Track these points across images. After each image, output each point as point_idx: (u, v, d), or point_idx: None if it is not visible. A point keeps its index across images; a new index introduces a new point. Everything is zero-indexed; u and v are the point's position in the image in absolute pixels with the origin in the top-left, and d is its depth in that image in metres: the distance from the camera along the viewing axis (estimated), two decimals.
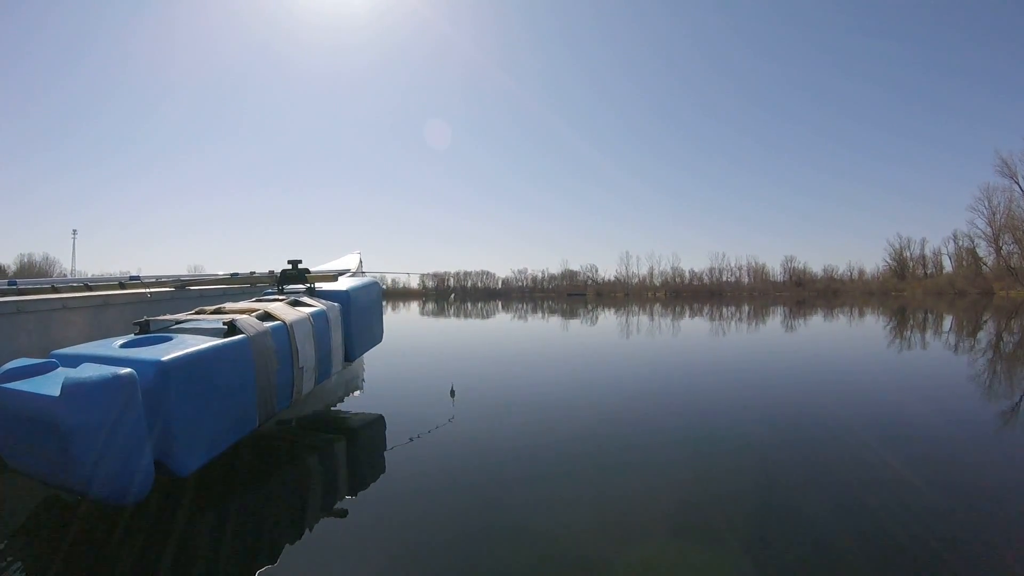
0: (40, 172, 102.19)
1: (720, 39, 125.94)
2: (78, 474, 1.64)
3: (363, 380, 4.47)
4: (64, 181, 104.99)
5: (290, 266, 3.65)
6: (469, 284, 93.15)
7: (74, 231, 67.03)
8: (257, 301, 3.00)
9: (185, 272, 5.18)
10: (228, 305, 2.83)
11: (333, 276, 3.67)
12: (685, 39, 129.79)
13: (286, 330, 2.56)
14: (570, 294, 72.53)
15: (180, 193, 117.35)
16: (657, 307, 23.26)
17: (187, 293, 3.60)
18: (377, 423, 3.12)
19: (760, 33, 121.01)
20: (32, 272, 57.74)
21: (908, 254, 71.58)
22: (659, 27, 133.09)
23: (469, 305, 26.67)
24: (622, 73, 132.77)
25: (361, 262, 5.40)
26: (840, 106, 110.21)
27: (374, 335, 3.71)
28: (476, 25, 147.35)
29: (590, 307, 23.49)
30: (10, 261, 62.94)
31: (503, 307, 23.82)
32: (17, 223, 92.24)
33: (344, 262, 5.25)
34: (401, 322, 13.64)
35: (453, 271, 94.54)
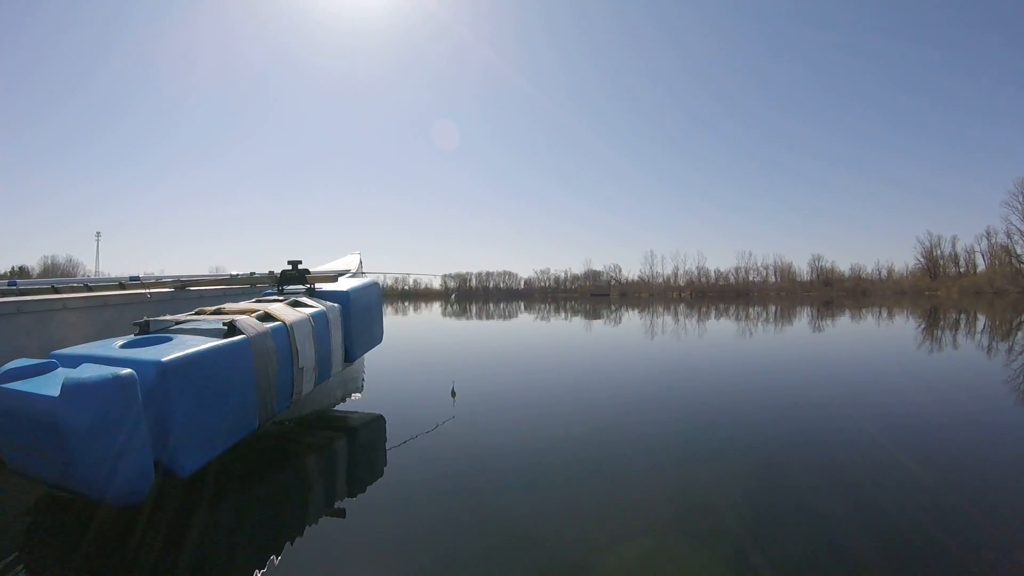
0: (64, 176, 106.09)
1: (745, 40, 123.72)
2: (77, 475, 1.66)
3: (363, 381, 4.48)
4: (88, 184, 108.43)
5: (290, 267, 3.66)
6: (491, 285, 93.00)
7: (97, 233, 67.65)
8: (257, 302, 3.01)
9: (206, 273, 5.24)
10: (228, 306, 2.84)
11: (333, 277, 3.67)
12: (708, 39, 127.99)
13: (286, 331, 2.57)
14: (593, 294, 71.96)
15: (200, 195, 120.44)
16: (682, 308, 22.88)
17: (187, 293, 3.61)
18: (377, 423, 3.13)
19: (786, 35, 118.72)
20: (56, 274, 58.82)
21: (939, 252, 69.09)
22: (682, 28, 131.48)
23: (491, 306, 26.57)
24: (643, 74, 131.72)
25: (361, 263, 5.42)
26: (866, 107, 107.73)
27: (374, 336, 3.71)
28: (494, 28, 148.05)
29: (613, 308, 23.22)
30: (34, 263, 64.47)
31: (525, 308, 23.71)
32: (42, 226, 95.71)
33: (344, 263, 5.27)
34: (418, 323, 13.71)
35: (475, 271, 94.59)
